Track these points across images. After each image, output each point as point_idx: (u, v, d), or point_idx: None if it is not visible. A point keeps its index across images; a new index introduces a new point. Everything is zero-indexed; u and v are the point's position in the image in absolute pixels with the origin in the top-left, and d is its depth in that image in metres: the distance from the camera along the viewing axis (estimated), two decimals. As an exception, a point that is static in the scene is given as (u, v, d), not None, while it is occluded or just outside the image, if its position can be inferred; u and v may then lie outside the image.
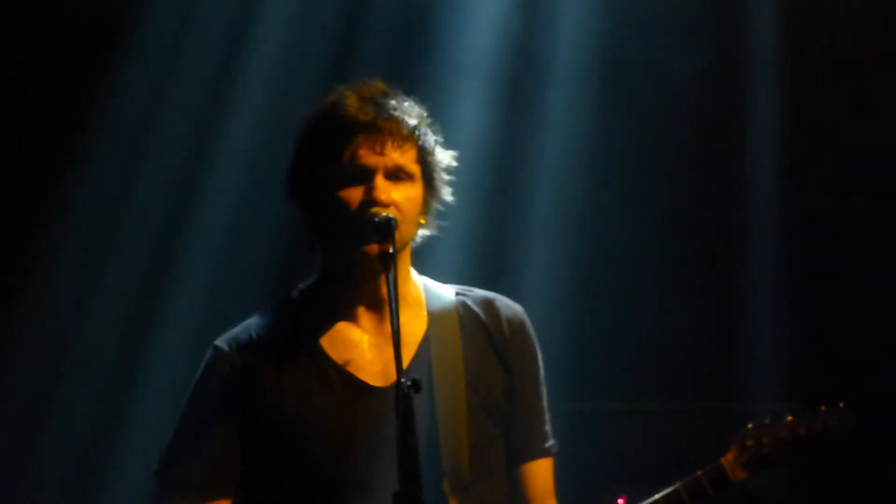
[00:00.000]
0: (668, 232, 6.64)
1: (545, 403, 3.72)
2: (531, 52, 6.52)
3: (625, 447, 6.43)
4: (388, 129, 3.51)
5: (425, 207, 3.60)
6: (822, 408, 3.76)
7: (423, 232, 3.62)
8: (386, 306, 3.52)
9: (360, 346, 3.58)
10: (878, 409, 5.40)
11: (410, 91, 3.67)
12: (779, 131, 6.53)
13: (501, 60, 6.47)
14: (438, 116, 3.67)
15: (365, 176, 3.50)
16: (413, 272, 3.69)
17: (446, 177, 3.63)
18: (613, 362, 6.44)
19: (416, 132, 3.55)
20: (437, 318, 3.62)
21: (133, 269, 6.39)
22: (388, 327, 3.54)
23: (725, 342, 6.53)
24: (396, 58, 6.29)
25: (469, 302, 3.68)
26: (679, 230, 6.64)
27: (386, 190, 3.49)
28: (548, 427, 3.73)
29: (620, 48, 6.50)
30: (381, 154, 3.50)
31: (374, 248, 3.43)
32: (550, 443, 3.73)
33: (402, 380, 3.19)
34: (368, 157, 3.50)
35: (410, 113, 3.57)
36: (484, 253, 6.26)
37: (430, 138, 3.59)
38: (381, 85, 3.61)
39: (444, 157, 3.63)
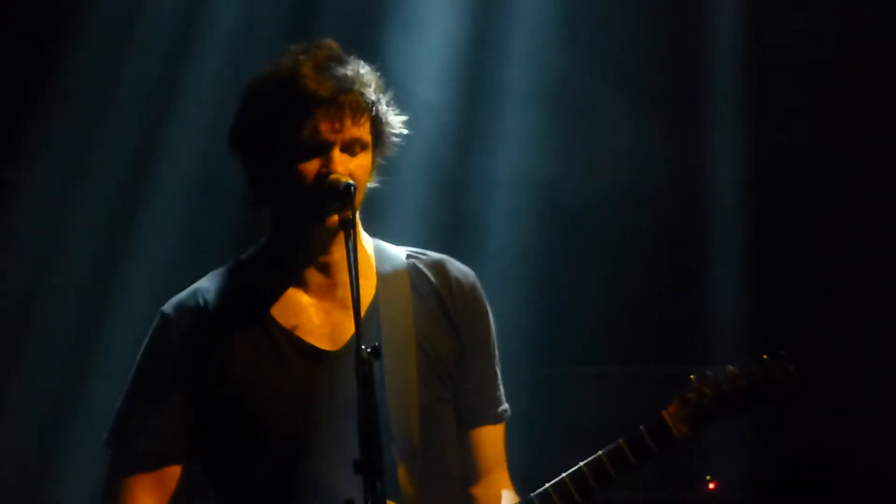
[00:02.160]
0: (628, 197, 6.64)
1: (498, 368, 3.69)
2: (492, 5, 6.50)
3: (583, 413, 6.43)
4: (348, 104, 3.48)
5: (374, 170, 3.59)
6: (765, 359, 3.73)
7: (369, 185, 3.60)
8: (335, 270, 3.53)
9: (308, 311, 3.56)
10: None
11: (368, 53, 3.64)
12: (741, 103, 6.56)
13: (460, 21, 6.45)
14: (395, 78, 3.65)
15: (323, 149, 3.47)
16: (364, 234, 3.67)
17: (395, 140, 3.61)
18: (571, 328, 6.43)
19: (373, 104, 3.52)
20: (387, 280, 3.60)
21: (89, 244, 6.35)
22: (336, 291, 3.54)
23: (683, 307, 6.54)
24: (355, 18, 6.25)
25: (420, 264, 3.65)
26: (638, 197, 6.64)
27: (343, 162, 3.47)
28: (500, 392, 3.70)
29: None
30: (340, 129, 3.48)
31: (335, 216, 3.41)
32: (503, 408, 3.70)
33: (362, 347, 3.14)
34: (328, 132, 3.47)
35: (369, 83, 3.53)
36: (441, 218, 6.25)
37: (385, 107, 3.57)
38: (336, 49, 3.56)
39: (396, 123, 3.61)
